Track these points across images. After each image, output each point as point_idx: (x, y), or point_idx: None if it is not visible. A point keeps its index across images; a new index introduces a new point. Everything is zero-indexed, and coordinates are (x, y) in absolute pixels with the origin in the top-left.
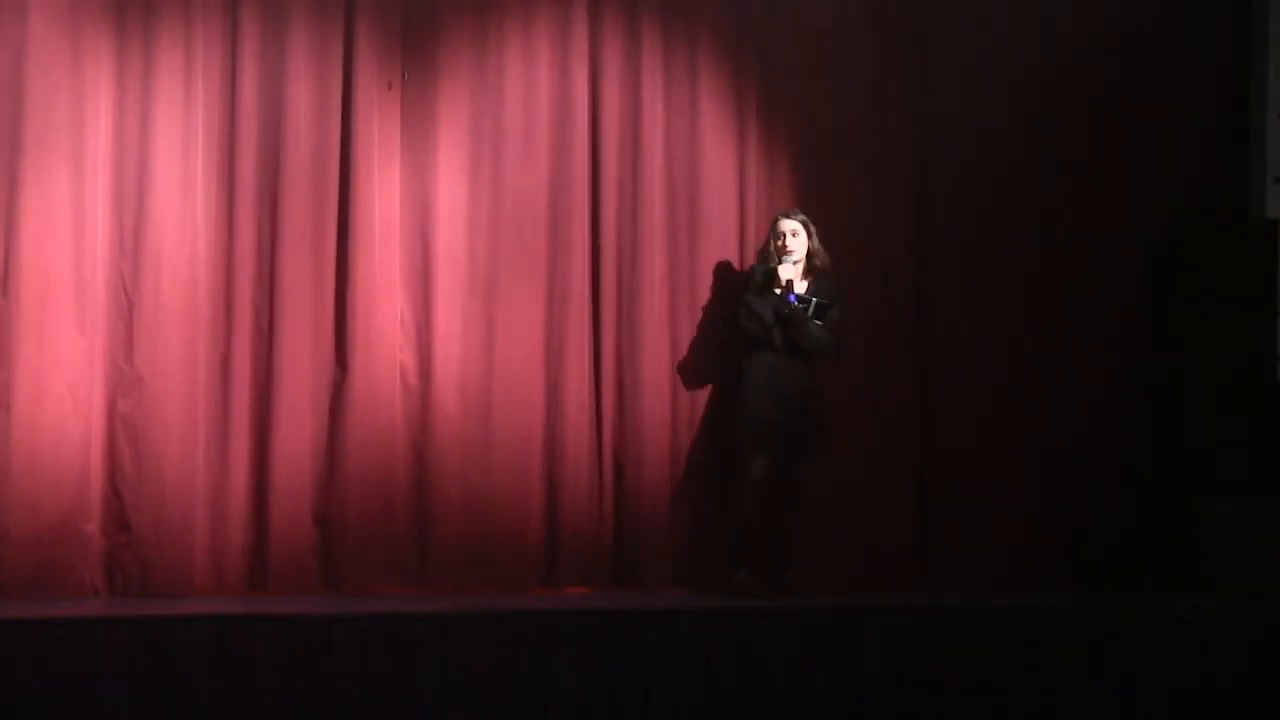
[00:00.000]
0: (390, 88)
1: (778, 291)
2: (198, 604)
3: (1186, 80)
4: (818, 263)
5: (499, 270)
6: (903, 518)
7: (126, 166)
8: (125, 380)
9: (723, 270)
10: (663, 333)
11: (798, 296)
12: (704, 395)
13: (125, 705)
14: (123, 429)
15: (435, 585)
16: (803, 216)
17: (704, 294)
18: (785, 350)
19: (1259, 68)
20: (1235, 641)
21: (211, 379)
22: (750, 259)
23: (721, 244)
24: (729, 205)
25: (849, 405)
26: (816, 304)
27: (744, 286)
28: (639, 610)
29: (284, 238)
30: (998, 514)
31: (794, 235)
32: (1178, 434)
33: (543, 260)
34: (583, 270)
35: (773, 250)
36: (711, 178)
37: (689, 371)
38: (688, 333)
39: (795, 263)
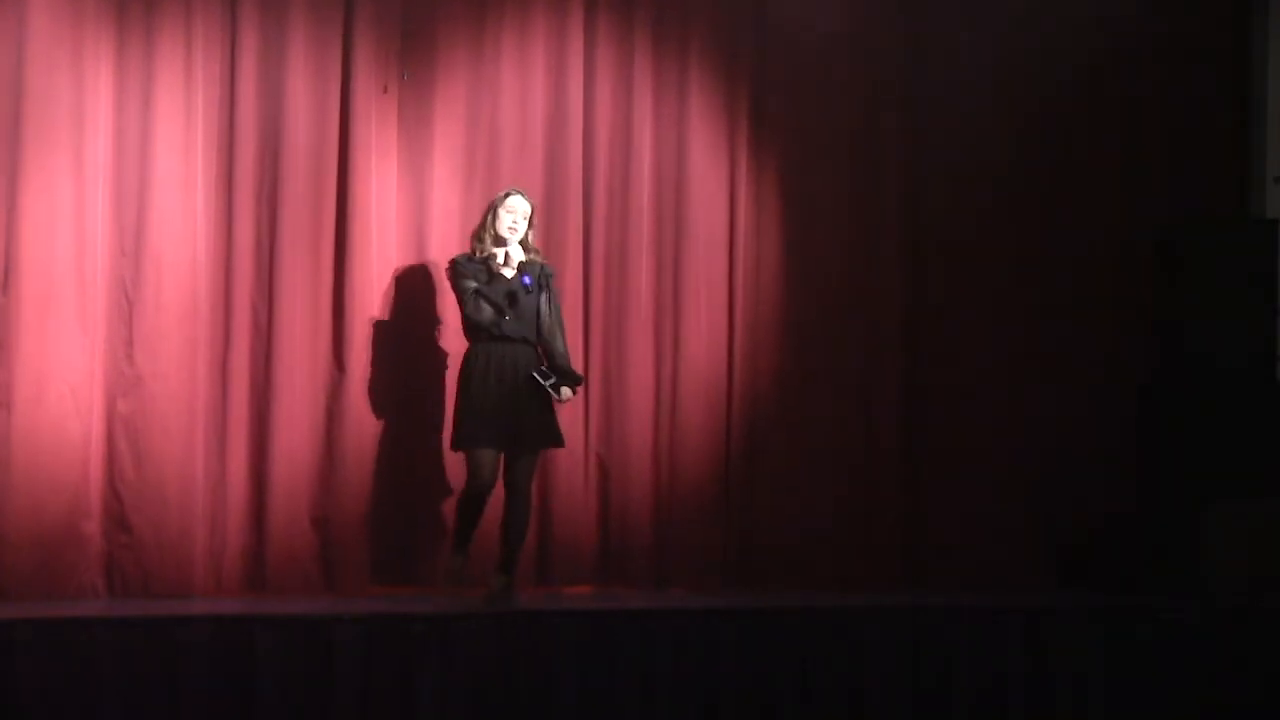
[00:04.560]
0: (385, 91)
1: (507, 274)
2: (198, 604)
3: (1186, 80)
4: (532, 243)
5: None
6: (894, 521)
7: (127, 166)
8: (125, 381)
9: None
10: (647, 338)
11: (531, 279)
12: (649, 397)
13: (125, 705)
14: (123, 430)
15: (430, 585)
16: (531, 200)
17: (688, 301)
18: (510, 336)
19: (1259, 68)
20: (1235, 641)
21: (211, 380)
22: (740, 266)
23: (708, 251)
24: (717, 212)
25: (837, 408)
26: (544, 274)
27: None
28: (639, 610)
29: (282, 239)
30: (996, 514)
31: (524, 217)
32: (1178, 434)
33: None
34: (575, 274)
35: (494, 232)
36: (699, 186)
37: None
38: (671, 339)
39: (520, 243)
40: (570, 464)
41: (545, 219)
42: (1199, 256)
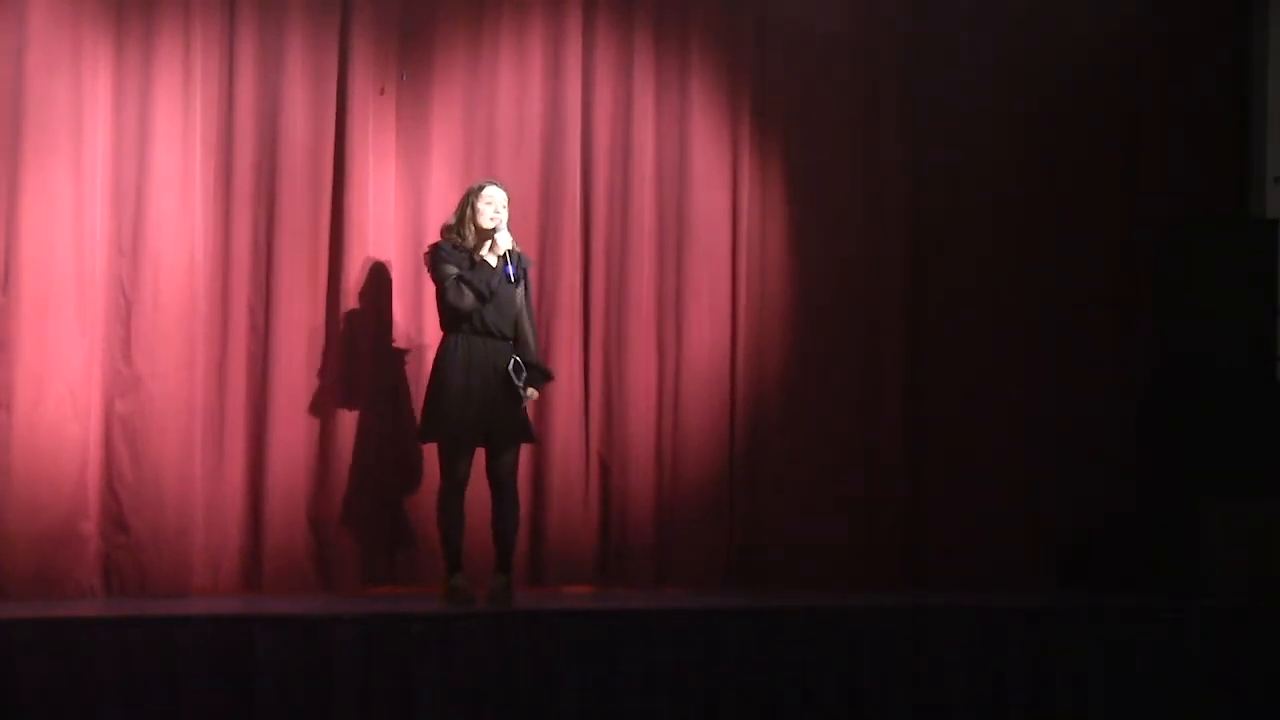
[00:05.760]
0: (383, 92)
1: (491, 261)
2: (198, 604)
3: (1186, 80)
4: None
5: None
6: (897, 521)
7: (125, 167)
8: (123, 381)
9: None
10: (649, 337)
11: (513, 268)
12: (651, 397)
13: (125, 705)
14: (121, 430)
15: (426, 585)
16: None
17: (691, 300)
18: (486, 329)
19: (1259, 68)
20: (1235, 641)
21: (208, 380)
22: (744, 265)
23: (710, 250)
24: (720, 210)
25: (841, 408)
26: (522, 265)
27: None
28: (639, 610)
29: (280, 239)
30: (996, 514)
31: (504, 206)
32: (1178, 433)
33: (534, 264)
34: (573, 274)
35: (476, 224)
36: (702, 183)
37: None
38: (673, 337)
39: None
40: (571, 464)
41: (543, 218)
42: (1199, 256)
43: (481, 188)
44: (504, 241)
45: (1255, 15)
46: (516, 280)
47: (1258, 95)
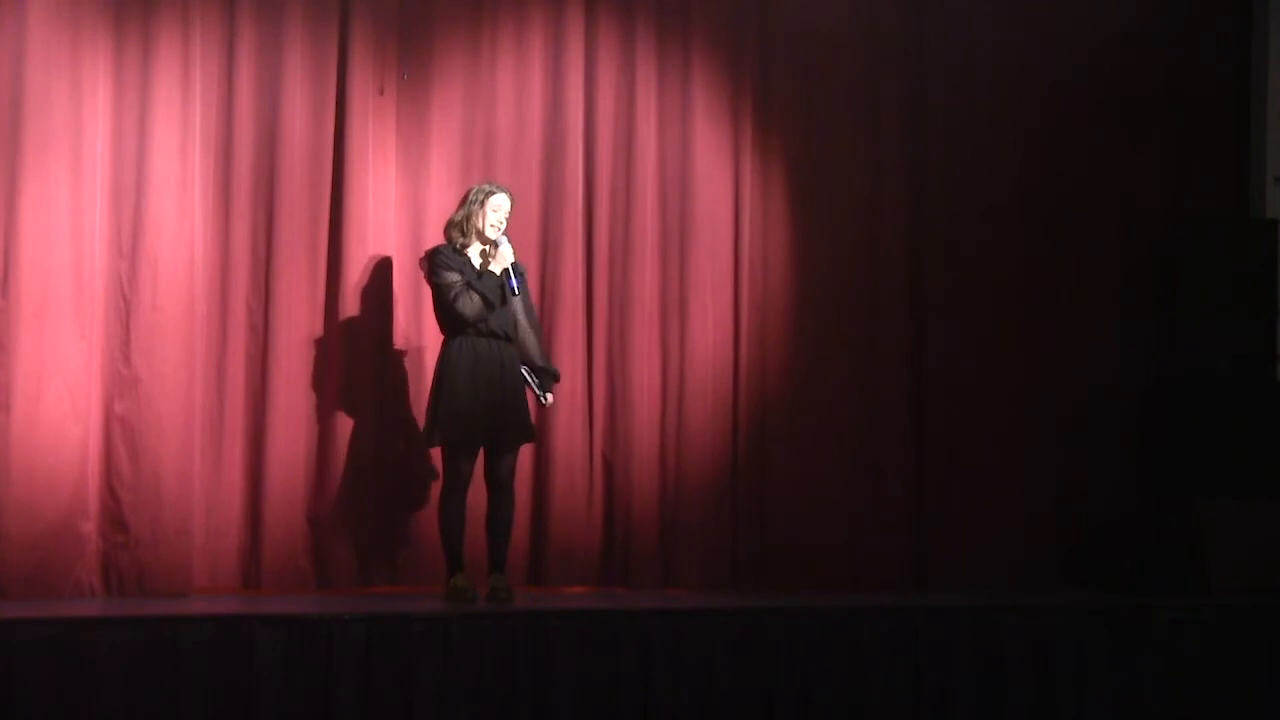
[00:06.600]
0: (382, 93)
1: (495, 271)
2: (199, 604)
3: (1186, 80)
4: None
5: None
6: (899, 521)
7: (124, 168)
8: (122, 381)
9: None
10: (653, 337)
11: (518, 281)
12: (654, 396)
13: (124, 705)
14: (120, 430)
15: (426, 585)
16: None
17: (694, 299)
18: (490, 330)
19: (1259, 68)
20: (1235, 641)
21: (207, 380)
22: (746, 265)
23: (713, 249)
24: (723, 211)
25: (844, 408)
26: (518, 271)
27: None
28: (639, 610)
29: (279, 240)
30: (996, 514)
31: (507, 216)
32: (1177, 433)
33: (535, 264)
34: (576, 274)
35: (480, 226)
36: (704, 184)
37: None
38: (676, 337)
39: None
40: (574, 464)
41: (545, 217)
42: (1199, 256)
43: (490, 194)
44: (507, 255)
45: (1255, 15)
46: (517, 292)
47: (1258, 95)
